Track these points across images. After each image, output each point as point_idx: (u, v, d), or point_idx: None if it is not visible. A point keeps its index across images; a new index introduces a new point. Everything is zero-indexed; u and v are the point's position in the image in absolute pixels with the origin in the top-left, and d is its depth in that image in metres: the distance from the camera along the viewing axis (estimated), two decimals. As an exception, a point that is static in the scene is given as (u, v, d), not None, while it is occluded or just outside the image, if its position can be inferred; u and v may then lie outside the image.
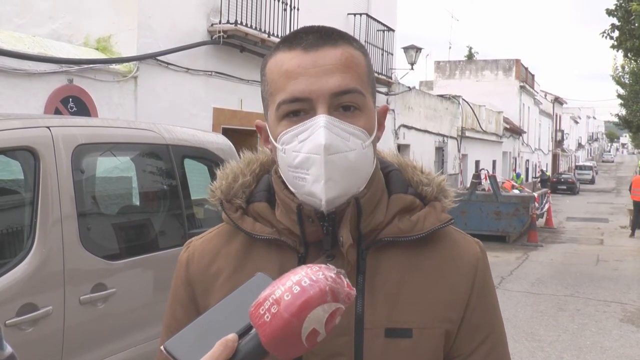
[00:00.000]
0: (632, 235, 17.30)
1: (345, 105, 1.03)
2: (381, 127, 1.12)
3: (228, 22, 9.12)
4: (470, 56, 39.57)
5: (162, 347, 0.86)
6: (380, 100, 15.21)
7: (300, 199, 1.06)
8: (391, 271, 1.09)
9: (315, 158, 1.00)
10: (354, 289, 0.85)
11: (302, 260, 1.08)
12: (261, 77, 1.10)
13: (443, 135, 21.11)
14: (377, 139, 1.10)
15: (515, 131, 33.61)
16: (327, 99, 1.01)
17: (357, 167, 1.03)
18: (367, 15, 13.91)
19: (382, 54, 14.65)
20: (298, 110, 1.02)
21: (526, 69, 37.31)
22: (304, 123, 1.01)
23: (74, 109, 6.79)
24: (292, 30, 8.63)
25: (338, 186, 1.01)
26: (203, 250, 1.18)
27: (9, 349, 1.06)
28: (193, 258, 1.18)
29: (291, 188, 1.07)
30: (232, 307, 0.87)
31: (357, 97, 1.03)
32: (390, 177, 1.16)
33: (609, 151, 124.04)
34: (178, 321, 1.15)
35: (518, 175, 30.36)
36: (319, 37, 1.04)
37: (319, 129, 0.99)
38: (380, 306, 1.06)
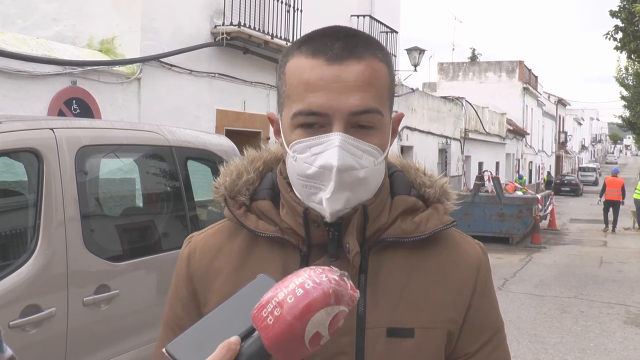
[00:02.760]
0: (611, 230, 18.79)
1: (362, 124, 1.02)
2: (394, 134, 1.12)
3: (231, 23, 9.13)
4: (473, 58, 39.57)
5: (164, 350, 0.86)
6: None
7: (306, 204, 1.06)
8: (393, 271, 1.09)
9: (326, 174, 1.00)
10: (358, 291, 0.84)
11: (305, 259, 1.08)
12: (279, 73, 1.08)
13: (446, 137, 21.10)
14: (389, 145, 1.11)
15: (518, 133, 33.56)
16: (344, 117, 1.00)
17: (366, 182, 1.03)
18: (371, 17, 13.92)
19: (385, 56, 14.63)
20: (314, 122, 1.01)
21: (529, 70, 37.27)
22: (318, 137, 1.00)
23: (78, 110, 6.80)
24: (295, 32, 8.57)
25: (344, 200, 1.02)
26: (204, 246, 1.17)
27: (9, 352, 1.06)
28: (194, 254, 1.17)
29: (298, 195, 1.07)
30: (235, 309, 0.87)
31: (375, 117, 1.02)
32: (394, 178, 1.16)
33: (613, 153, 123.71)
34: (178, 318, 1.16)
35: (520, 177, 30.32)
36: (344, 47, 1.01)
37: (333, 148, 0.98)
38: (383, 306, 1.06)
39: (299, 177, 1.04)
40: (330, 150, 0.99)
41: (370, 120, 1.02)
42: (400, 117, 1.15)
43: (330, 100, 0.99)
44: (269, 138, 9.36)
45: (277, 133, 1.12)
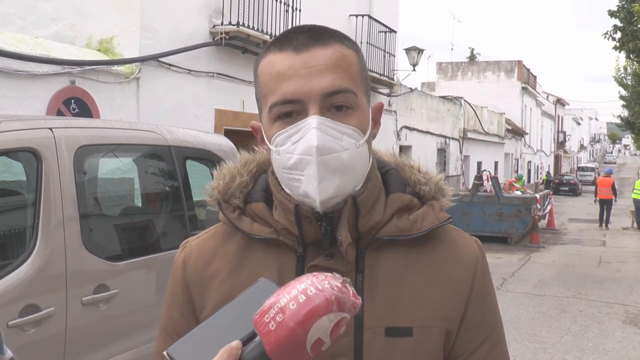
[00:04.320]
0: (604, 226, 19.89)
1: (338, 105, 1.02)
2: (377, 124, 1.12)
3: (230, 23, 9.12)
4: (472, 57, 39.57)
5: (165, 353, 0.85)
6: (383, 101, 15.17)
7: (296, 200, 1.05)
8: (390, 270, 1.08)
9: (308, 159, 1.00)
10: (360, 298, 0.84)
11: (301, 260, 1.08)
12: (254, 79, 1.11)
13: (445, 137, 21.10)
14: (373, 136, 1.10)
15: (517, 132, 33.57)
16: (318, 100, 1.01)
17: (351, 166, 1.03)
18: (369, 16, 13.90)
19: (384, 56, 14.63)
20: (290, 111, 1.02)
21: (528, 70, 37.28)
22: (296, 124, 1.01)
23: (76, 110, 6.79)
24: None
25: (332, 186, 1.01)
26: (200, 251, 1.17)
27: (9, 354, 1.05)
28: (190, 259, 1.17)
29: (286, 189, 1.07)
30: (236, 313, 0.87)
31: (349, 97, 1.03)
32: (388, 176, 1.16)
33: (611, 152, 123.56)
34: (175, 323, 1.16)
35: (520, 177, 30.30)
36: (310, 37, 1.04)
37: (310, 130, 0.99)
38: (380, 305, 1.06)
39: (284, 171, 1.04)
40: (308, 133, 0.99)
41: (345, 100, 1.02)
42: (380, 106, 1.15)
43: (301, 86, 1.01)
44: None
45: (261, 142, 1.12)
